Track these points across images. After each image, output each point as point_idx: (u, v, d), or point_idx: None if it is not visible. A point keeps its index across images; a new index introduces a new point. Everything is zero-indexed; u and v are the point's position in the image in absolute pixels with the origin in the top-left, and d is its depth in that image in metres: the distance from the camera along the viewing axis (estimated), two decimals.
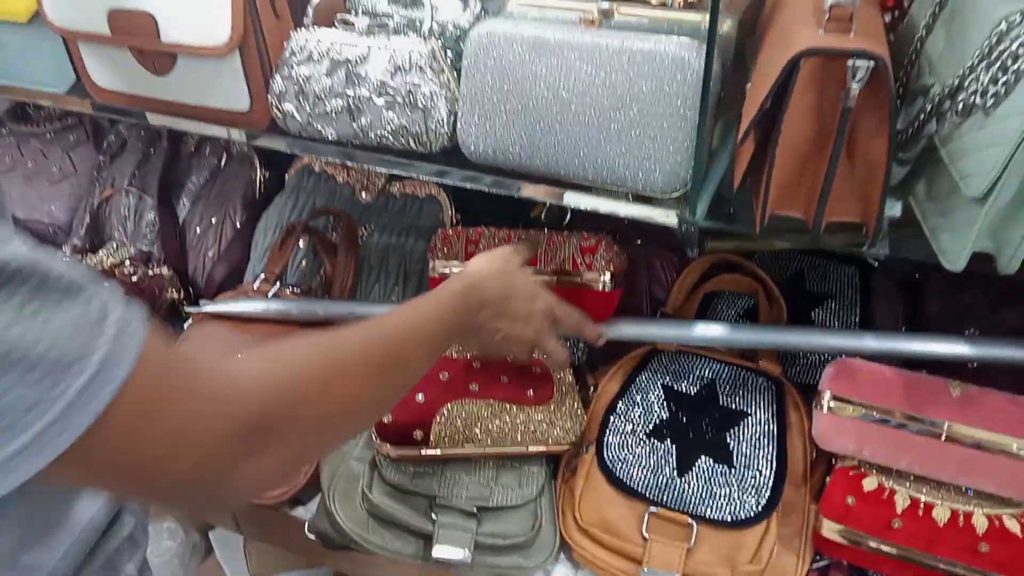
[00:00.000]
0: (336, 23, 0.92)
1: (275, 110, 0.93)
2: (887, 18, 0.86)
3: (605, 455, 0.94)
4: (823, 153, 0.68)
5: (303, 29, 0.91)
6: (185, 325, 1.22)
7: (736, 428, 0.93)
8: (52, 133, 1.45)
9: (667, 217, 0.80)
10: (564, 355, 0.89)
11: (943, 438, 0.81)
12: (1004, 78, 0.62)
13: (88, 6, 0.94)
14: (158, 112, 1.02)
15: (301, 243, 1.23)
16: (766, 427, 0.93)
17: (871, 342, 0.90)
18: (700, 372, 0.99)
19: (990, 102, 0.62)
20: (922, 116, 0.70)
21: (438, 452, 0.94)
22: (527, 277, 0.85)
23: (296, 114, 0.92)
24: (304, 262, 1.24)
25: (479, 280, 0.78)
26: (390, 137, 0.89)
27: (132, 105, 1.03)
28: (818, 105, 0.67)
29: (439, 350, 0.71)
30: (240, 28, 0.88)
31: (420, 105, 0.87)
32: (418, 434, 0.94)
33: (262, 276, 1.19)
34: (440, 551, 0.91)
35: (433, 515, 0.93)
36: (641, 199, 0.82)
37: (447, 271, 1.03)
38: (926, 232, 0.71)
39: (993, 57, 0.63)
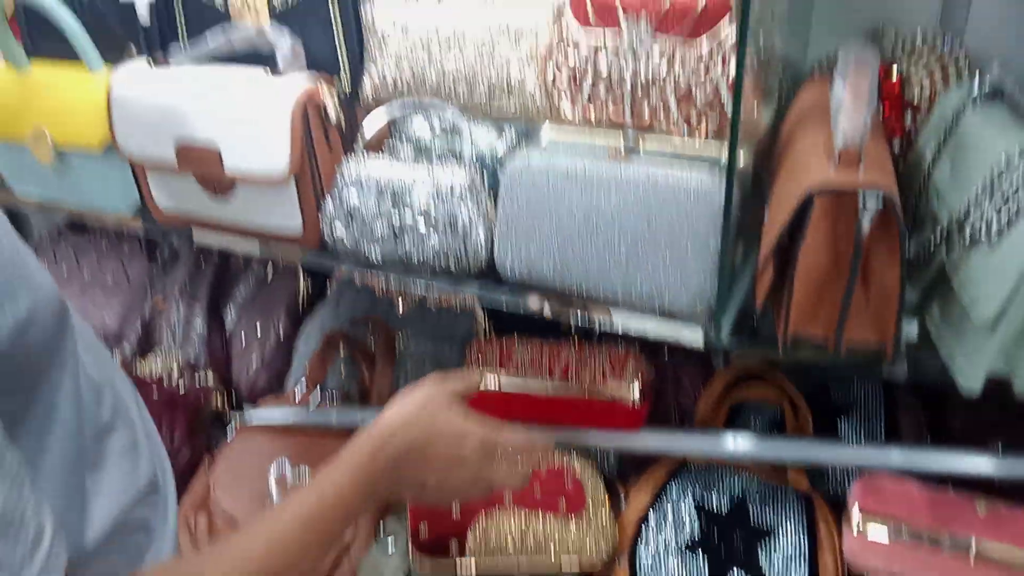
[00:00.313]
0: (384, 151, 1.00)
1: (326, 232, 1.01)
2: (896, 144, 0.92)
3: (638, 568, 0.95)
4: (840, 279, 0.73)
5: (354, 158, 1.00)
6: (228, 432, 1.27)
7: (767, 545, 0.94)
8: (108, 244, 1.55)
9: (694, 336, 0.84)
10: (520, 478, 0.78)
11: (972, 557, 0.82)
12: (1006, 211, 0.67)
13: (158, 138, 1.04)
14: (216, 231, 1.09)
15: (341, 351, 1.28)
16: (797, 544, 0.94)
17: (897, 456, 0.92)
18: (730, 486, 1.00)
19: (994, 234, 0.67)
20: (933, 242, 0.75)
21: (473, 567, 0.96)
22: (452, 415, 0.74)
23: (345, 237, 0.99)
24: (344, 370, 1.29)
25: (387, 436, 0.71)
26: (431, 259, 0.96)
27: (192, 226, 1.11)
28: (832, 235, 0.71)
29: (354, 520, 0.69)
30: (297, 159, 0.96)
31: (460, 230, 0.93)
32: (453, 546, 0.96)
33: (303, 385, 1.24)
34: None
35: None
36: (668, 317, 0.86)
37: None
38: (942, 355, 0.74)
39: (995, 191, 0.68)
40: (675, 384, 1.11)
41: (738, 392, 1.09)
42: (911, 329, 0.79)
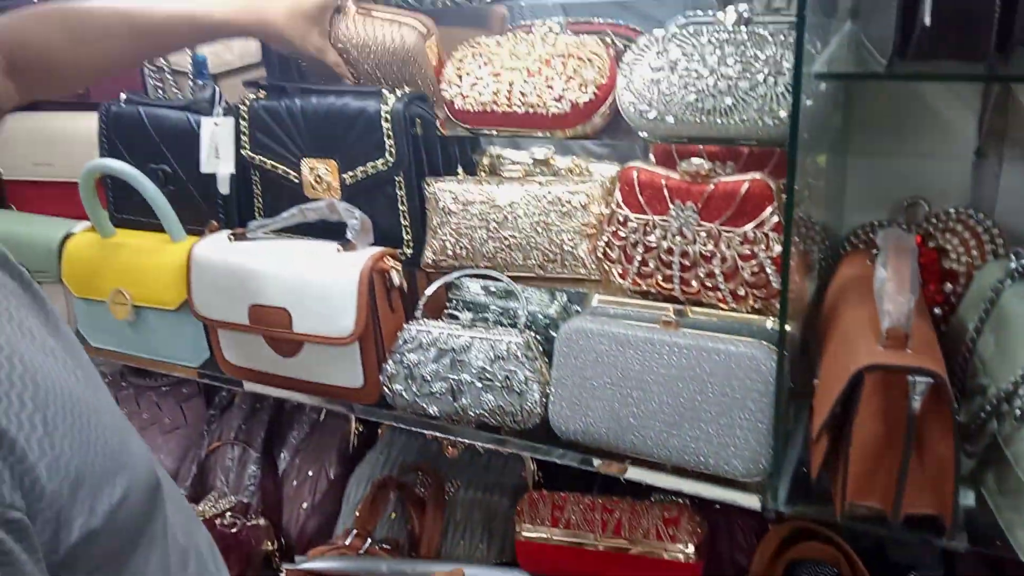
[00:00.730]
0: (443, 317, 1.06)
1: (386, 388, 1.05)
2: (937, 311, 0.96)
3: None
4: (894, 450, 0.75)
5: (415, 321, 1.05)
6: None
7: None
8: (167, 387, 1.61)
9: (749, 501, 0.85)
10: None
11: None
12: None
13: (232, 299, 1.11)
14: (280, 387, 1.15)
15: (391, 497, 1.30)
16: None
17: None
18: None
19: None
20: (983, 415, 0.77)
21: None
22: None
23: (404, 393, 1.03)
24: (393, 515, 1.31)
25: None
26: (487, 415, 0.99)
27: (257, 380, 1.16)
28: (885, 409, 0.74)
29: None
30: (363, 322, 1.02)
31: (516, 389, 0.97)
32: None
33: (354, 532, 1.25)
34: None
35: None
36: (724, 483, 0.88)
37: (534, 535, 1.08)
38: (1001, 525, 0.75)
39: None
40: (729, 538, 1.11)
41: (794, 549, 1.08)
42: (968, 499, 0.80)
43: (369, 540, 1.25)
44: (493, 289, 1.11)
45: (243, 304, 1.09)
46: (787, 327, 0.81)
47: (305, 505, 1.38)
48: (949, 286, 0.95)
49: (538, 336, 1.02)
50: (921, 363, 0.71)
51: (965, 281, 0.95)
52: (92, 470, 0.49)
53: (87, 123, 1.28)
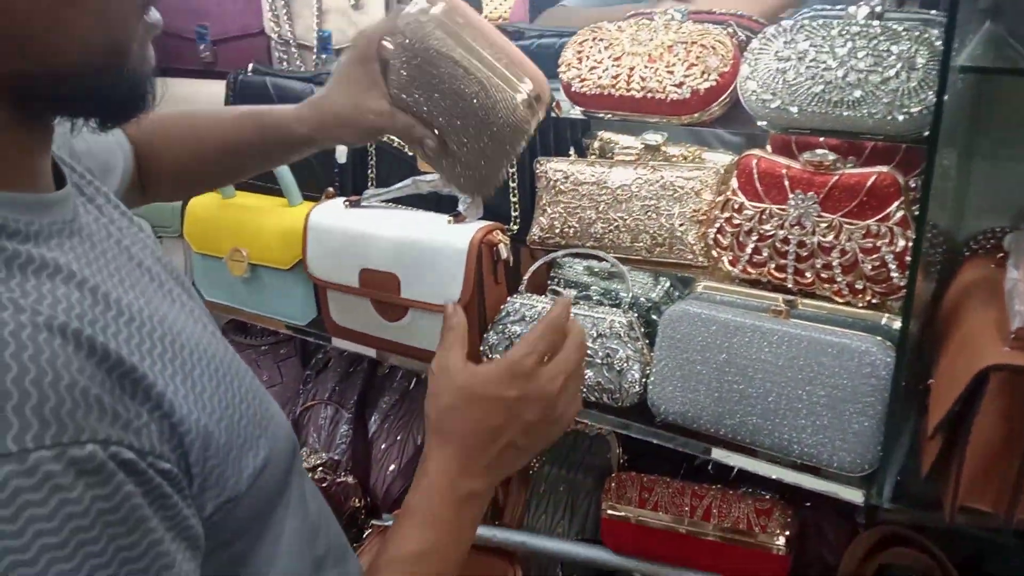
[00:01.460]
0: (547, 293, 1.08)
1: (485, 359, 1.08)
2: None
3: None
4: (1014, 453, 0.73)
5: (519, 295, 1.08)
6: (364, 535, 1.32)
7: None
8: (267, 346, 1.68)
9: (853, 495, 0.85)
10: (575, 408, 0.66)
11: None
12: None
13: (344, 263, 1.16)
14: (383, 349, 1.19)
15: None
16: None
17: None
18: None
19: None
20: None
21: None
22: (466, 373, 0.62)
23: None
24: None
25: (438, 443, 0.62)
26: (586, 391, 1.01)
27: (361, 342, 1.21)
28: (1008, 411, 0.73)
29: (468, 532, 0.62)
30: (469, 292, 1.06)
31: (616, 367, 0.99)
32: None
33: None
34: None
35: None
36: (825, 475, 0.88)
37: (621, 514, 1.10)
38: None
39: None
40: (818, 536, 1.10)
41: (886, 554, 1.06)
42: None
43: None
44: (596, 270, 1.13)
45: (354, 268, 1.14)
46: (908, 323, 0.80)
47: (392, 468, 1.43)
48: None
49: (640, 317, 1.03)
50: None
51: None
52: (238, 432, 0.48)
53: (214, 90, 1.36)
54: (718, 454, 0.94)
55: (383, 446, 1.46)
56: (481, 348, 1.08)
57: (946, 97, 0.76)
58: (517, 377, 0.60)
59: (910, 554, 1.04)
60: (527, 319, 1.05)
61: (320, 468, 1.44)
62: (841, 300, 0.89)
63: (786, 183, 0.89)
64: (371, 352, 1.22)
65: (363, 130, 0.81)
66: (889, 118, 0.85)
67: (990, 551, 1.06)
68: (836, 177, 0.86)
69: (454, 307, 0.68)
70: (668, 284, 1.09)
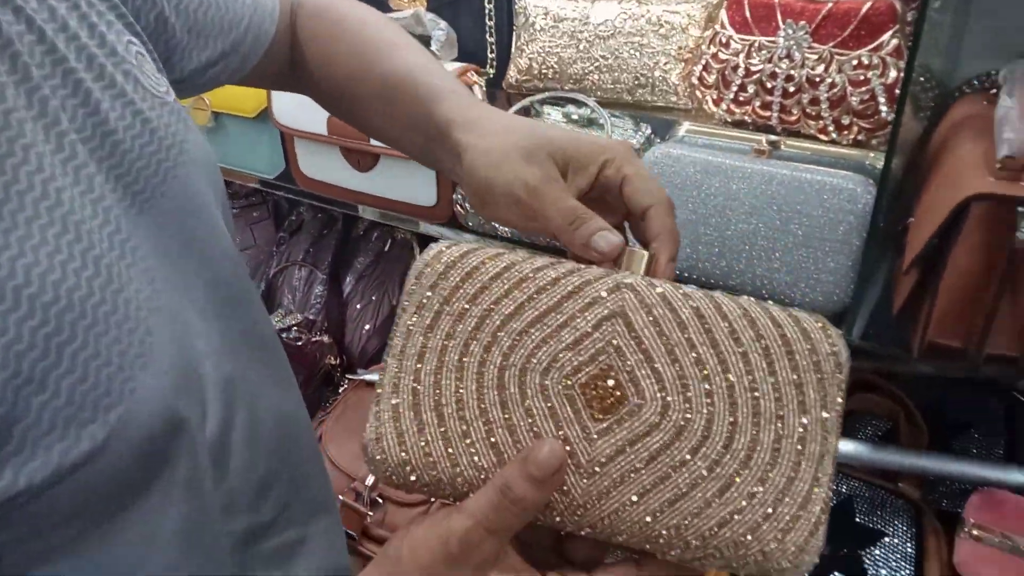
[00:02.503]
0: None
1: (458, 207, 1.05)
2: None
3: None
4: (987, 289, 0.73)
5: None
6: (340, 390, 1.33)
7: (872, 547, 0.94)
8: (238, 209, 1.64)
9: None
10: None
11: None
12: None
13: (311, 110, 1.10)
14: (354, 202, 1.16)
15: None
16: (903, 549, 0.94)
17: (1018, 475, 0.91)
18: (837, 487, 1.01)
19: None
20: None
21: None
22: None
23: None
24: None
25: None
26: None
27: (331, 194, 1.17)
28: (985, 244, 0.72)
29: None
30: None
31: None
32: None
33: None
34: None
35: None
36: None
37: None
38: None
39: None
40: None
41: (852, 399, 1.09)
42: None
43: None
44: (575, 117, 1.08)
45: (321, 114, 1.09)
46: (892, 157, 0.78)
47: (367, 327, 1.42)
48: None
49: None
50: None
51: None
52: (26, 405, 0.33)
53: None
54: None
55: (358, 306, 1.45)
56: (454, 196, 1.05)
57: None
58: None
59: (876, 400, 1.07)
60: None
61: (295, 328, 1.43)
62: (826, 138, 0.87)
63: (778, 12, 0.84)
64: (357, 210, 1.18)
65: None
66: None
67: (954, 398, 1.09)
68: (830, 5, 0.82)
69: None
70: (650, 131, 1.05)
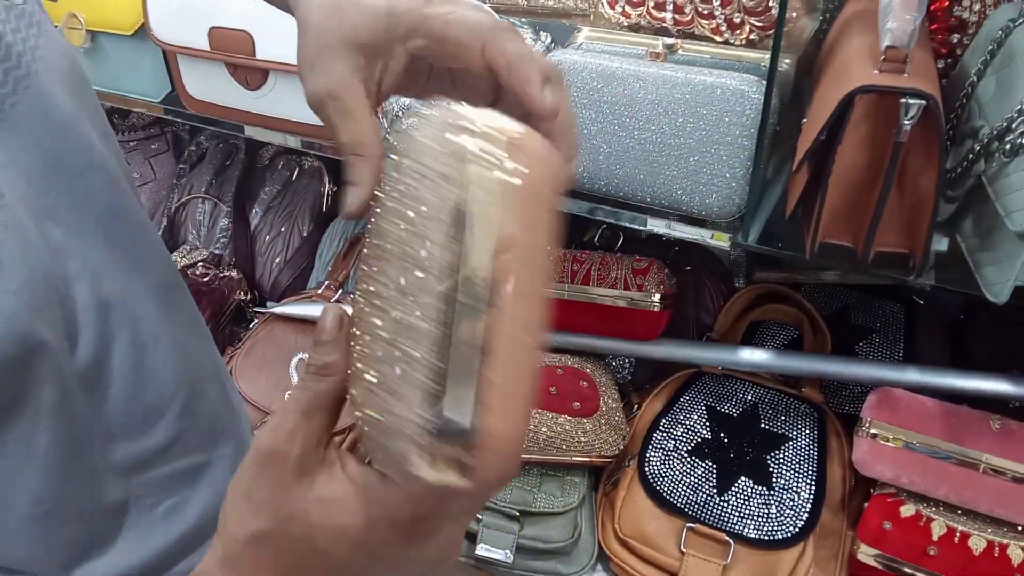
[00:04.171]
0: None
1: None
2: (940, 64, 0.90)
3: (646, 469, 0.98)
4: (874, 185, 0.72)
5: None
6: (251, 325, 1.29)
7: (776, 451, 0.96)
8: (135, 142, 1.55)
9: (720, 239, 0.84)
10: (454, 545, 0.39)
11: (981, 470, 0.83)
12: None
13: (191, 22, 1.03)
14: (247, 123, 1.10)
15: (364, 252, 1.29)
16: (806, 451, 0.95)
17: (914, 375, 0.93)
18: (743, 395, 1.02)
19: None
20: (971, 156, 0.74)
21: None
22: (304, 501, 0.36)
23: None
24: None
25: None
26: None
27: (222, 116, 1.11)
28: (871, 139, 0.71)
29: None
30: None
31: None
32: None
33: (326, 283, 1.26)
34: (483, 550, 0.95)
35: (478, 516, 0.97)
36: (695, 223, 0.87)
37: None
38: (971, 266, 0.74)
39: None
40: (696, 299, 1.12)
41: (758, 311, 1.09)
42: (940, 245, 0.79)
43: (341, 291, 1.25)
44: None
45: (203, 27, 1.02)
46: (781, 57, 0.75)
47: (278, 260, 1.37)
48: (956, 36, 0.89)
49: None
50: (917, 85, 0.67)
51: (974, 32, 0.88)
52: None
53: None
54: (587, 210, 0.92)
55: (267, 239, 1.39)
56: None
57: None
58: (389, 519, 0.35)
59: (781, 310, 1.07)
60: None
61: (201, 264, 1.37)
62: (720, 39, 0.84)
63: None
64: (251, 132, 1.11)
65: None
66: None
67: (856, 304, 1.10)
68: None
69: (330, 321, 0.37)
70: (549, 39, 1.01)
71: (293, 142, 1.10)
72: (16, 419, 0.40)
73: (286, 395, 1.13)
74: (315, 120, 1.05)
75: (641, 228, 0.91)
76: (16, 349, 0.38)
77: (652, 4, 0.85)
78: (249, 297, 1.36)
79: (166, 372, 0.50)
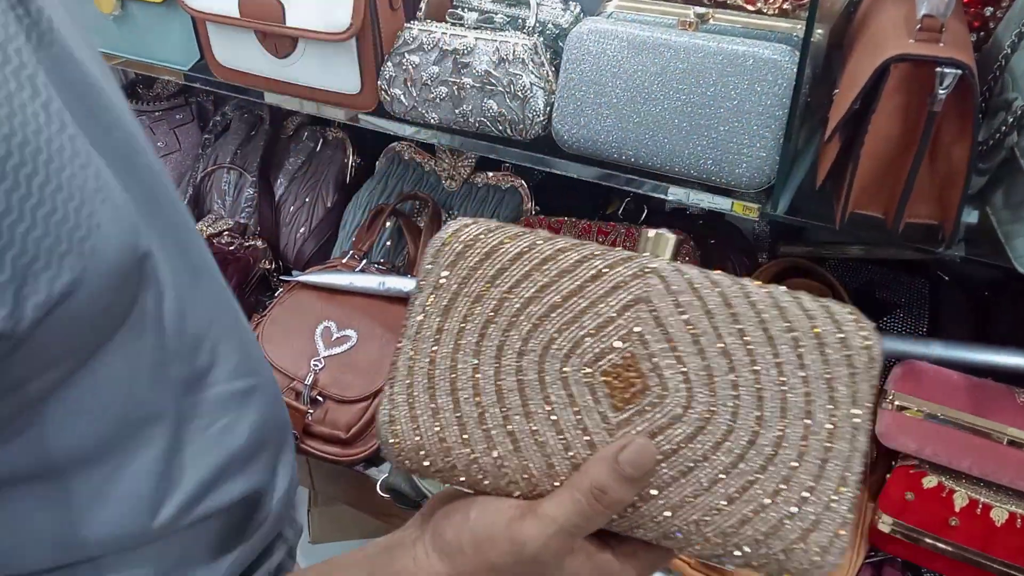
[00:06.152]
0: (447, 18, 0.99)
1: (383, 94, 1.01)
2: (973, 37, 0.90)
3: None
4: (906, 155, 0.72)
5: (416, 21, 0.99)
6: (276, 293, 1.31)
7: None
8: (161, 112, 1.56)
9: (749, 210, 0.84)
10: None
11: (1005, 443, 0.84)
12: None
13: None
14: (274, 92, 1.10)
15: (388, 224, 1.30)
16: None
17: (939, 349, 0.93)
18: None
19: None
20: (1003, 128, 0.74)
21: None
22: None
23: (403, 98, 0.99)
24: (389, 242, 1.32)
25: None
26: (489, 124, 0.96)
27: (250, 84, 1.11)
28: (905, 109, 0.71)
29: None
30: (360, 16, 0.96)
31: (520, 95, 0.93)
32: None
33: (350, 252, 1.27)
34: None
35: None
36: (723, 193, 0.87)
37: None
38: (1000, 238, 0.74)
39: None
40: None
41: (782, 284, 1.09)
42: (971, 217, 0.78)
43: (365, 260, 1.27)
44: None
45: None
46: (815, 28, 0.75)
47: (302, 230, 1.39)
48: (990, 9, 0.89)
49: (547, 46, 0.96)
50: (952, 55, 0.67)
51: (1008, 4, 0.88)
52: (16, 242, 0.34)
53: None
54: (620, 183, 0.92)
55: (291, 209, 1.41)
56: (379, 83, 1.01)
57: None
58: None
59: (806, 283, 1.07)
60: (425, 46, 0.97)
61: (227, 232, 1.39)
62: (752, 8, 0.84)
63: None
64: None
65: None
66: None
67: (881, 279, 1.10)
68: None
69: None
70: (579, 9, 1.00)
71: (323, 111, 1.10)
72: (129, 327, 0.43)
73: (311, 362, 1.15)
74: (343, 89, 1.06)
75: (663, 197, 0.91)
76: (129, 258, 0.41)
77: None
78: (274, 267, 1.38)
79: (207, 300, 0.52)
